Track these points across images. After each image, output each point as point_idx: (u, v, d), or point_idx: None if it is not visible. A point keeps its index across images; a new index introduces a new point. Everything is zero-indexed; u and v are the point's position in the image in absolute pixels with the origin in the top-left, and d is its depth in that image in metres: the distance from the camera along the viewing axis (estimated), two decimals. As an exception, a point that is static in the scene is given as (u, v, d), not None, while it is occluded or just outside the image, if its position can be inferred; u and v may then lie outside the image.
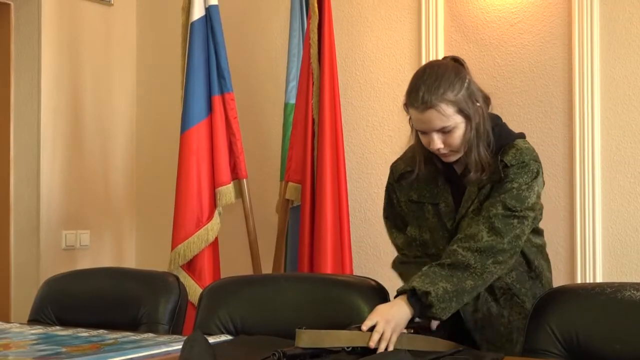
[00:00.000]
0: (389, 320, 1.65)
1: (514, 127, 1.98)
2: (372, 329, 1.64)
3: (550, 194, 2.90)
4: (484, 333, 1.89)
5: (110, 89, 3.83)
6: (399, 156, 2.09)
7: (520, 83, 3.00)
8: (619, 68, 2.82)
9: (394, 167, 2.05)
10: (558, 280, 2.13)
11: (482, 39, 3.06)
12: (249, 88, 3.57)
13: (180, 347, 1.59)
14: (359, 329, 1.62)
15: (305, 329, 1.54)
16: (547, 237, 2.04)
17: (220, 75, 3.18)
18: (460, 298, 1.75)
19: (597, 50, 2.84)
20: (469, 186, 1.88)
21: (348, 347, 1.56)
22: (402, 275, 1.99)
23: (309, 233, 3.02)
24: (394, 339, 1.64)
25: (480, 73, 2.95)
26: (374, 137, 3.31)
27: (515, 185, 1.81)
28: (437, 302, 1.70)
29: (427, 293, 1.70)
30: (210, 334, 1.95)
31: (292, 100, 3.21)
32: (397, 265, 2.03)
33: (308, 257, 3.00)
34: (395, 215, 2.04)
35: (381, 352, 1.57)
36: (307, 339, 1.52)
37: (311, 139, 3.06)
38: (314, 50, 3.04)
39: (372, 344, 1.60)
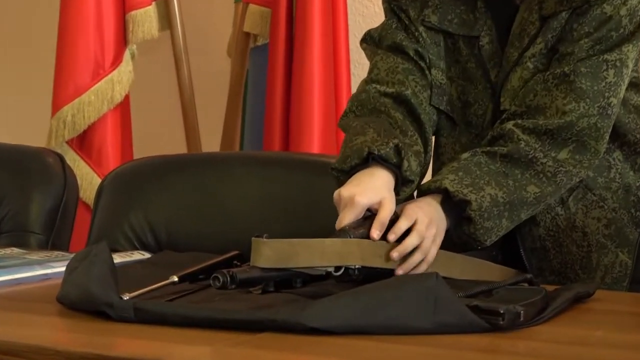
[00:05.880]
0: (431, 223, 1.68)
1: None
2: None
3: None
4: (547, 258, 1.92)
5: None
6: None
7: None
8: None
9: None
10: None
11: None
12: None
13: (64, 269, 1.60)
14: (362, 235, 1.61)
15: (267, 237, 1.52)
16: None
17: None
18: (516, 214, 1.79)
19: None
20: (520, 11, 1.88)
21: (337, 269, 1.56)
22: (353, 126, 1.89)
23: (283, 89, 3.04)
24: (433, 254, 1.68)
25: None
26: None
27: (608, 7, 1.82)
28: (480, 218, 1.73)
29: (467, 202, 1.73)
30: (115, 250, 1.95)
31: None
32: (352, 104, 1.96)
33: (281, 129, 3.04)
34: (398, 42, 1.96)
35: (400, 276, 1.58)
36: (271, 254, 1.50)
37: None
38: None
39: (396, 255, 1.61)
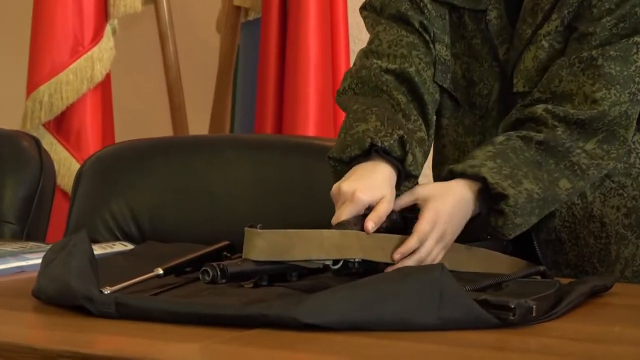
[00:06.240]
0: (444, 236, 1.68)
1: None
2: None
3: None
4: (562, 251, 1.92)
5: None
6: None
7: None
8: None
9: None
10: None
11: None
12: None
13: (40, 261, 1.60)
14: (363, 227, 1.61)
15: (261, 228, 1.52)
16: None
17: None
18: (545, 211, 1.80)
19: None
20: None
21: (336, 262, 1.56)
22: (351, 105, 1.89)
23: (276, 67, 3.04)
24: (438, 260, 1.67)
25: None
26: None
27: None
28: (513, 214, 1.73)
29: (504, 197, 1.71)
30: (95, 241, 1.96)
31: None
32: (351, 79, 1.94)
33: (274, 110, 3.04)
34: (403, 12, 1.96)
35: (403, 267, 1.58)
36: (265, 246, 1.50)
37: None
38: None
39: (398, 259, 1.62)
